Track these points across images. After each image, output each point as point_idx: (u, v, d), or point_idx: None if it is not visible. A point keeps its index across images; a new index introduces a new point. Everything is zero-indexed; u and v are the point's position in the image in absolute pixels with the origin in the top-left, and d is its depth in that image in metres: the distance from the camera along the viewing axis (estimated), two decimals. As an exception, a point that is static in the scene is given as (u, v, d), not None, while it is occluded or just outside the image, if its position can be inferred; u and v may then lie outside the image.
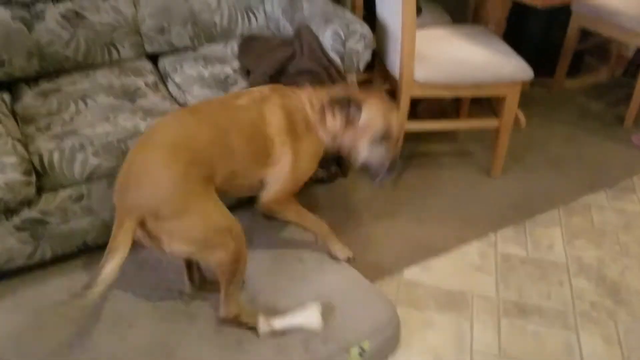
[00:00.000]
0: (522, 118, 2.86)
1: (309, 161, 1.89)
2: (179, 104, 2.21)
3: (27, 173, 1.75)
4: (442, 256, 2.24)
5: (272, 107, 1.81)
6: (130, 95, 2.20)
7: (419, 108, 3.00)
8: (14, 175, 1.72)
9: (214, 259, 1.60)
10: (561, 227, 2.41)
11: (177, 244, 1.54)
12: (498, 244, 2.31)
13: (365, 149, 1.88)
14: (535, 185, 2.67)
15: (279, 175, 1.82)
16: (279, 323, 1.72)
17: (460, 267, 2.19)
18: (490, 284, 2.12)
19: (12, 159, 1.73)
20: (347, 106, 1.83)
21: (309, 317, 1.73)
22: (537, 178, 2.72)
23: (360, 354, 1.73)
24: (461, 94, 2.49)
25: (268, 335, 1.72)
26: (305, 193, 2.46)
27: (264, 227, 2.15)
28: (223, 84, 2.30)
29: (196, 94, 2.22)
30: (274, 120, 1.79)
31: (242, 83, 2.28)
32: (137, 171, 1.55)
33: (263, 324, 1.71)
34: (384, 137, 1.86)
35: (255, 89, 1.92)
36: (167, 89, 2.33)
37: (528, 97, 3.01)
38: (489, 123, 2.63)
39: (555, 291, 2.10)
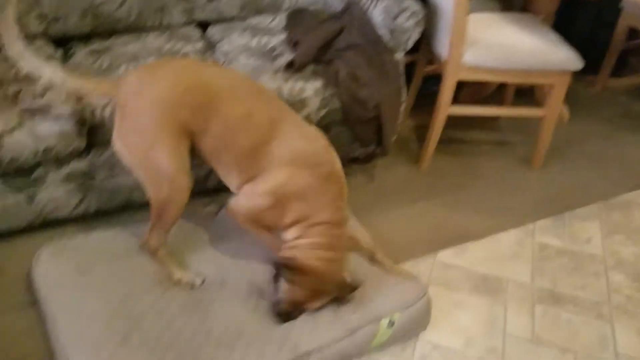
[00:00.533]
0: (566, 112, 2.82)
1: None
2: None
3: (79, 125, 1.79)
4: (478, 242, 2.23)
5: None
6: (179, 59, 2.22)
7: (460, 95, 2.98)
8: (68, 125, 1.76)
9: (147, 190, 1.68)
10: (600, 221, 2.38)
11: (123, 140, 1.62)
12: (535, 233, 2.29)
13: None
14: (575, 179, 2.63)
15: (252, 191, 1.70)
16: None
17: (495, 253, 2.18)
18: (526, 271, 2.11)
19: (66, 110, 1.77)
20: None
21: None
22: (577, 173, 2.68)
23: (390, 326, 1.74)
24: (508, 79, 2.46)
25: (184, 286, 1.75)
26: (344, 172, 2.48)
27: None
28: (269, 55, 2.31)
29: (242, 63, 2.24)
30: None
31: (288, 55, 2.29)
32: (138, 89, 1.61)
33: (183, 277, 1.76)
34: None
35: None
36: (214, 57, 2.35)
37: (571, 93, 2.96)
38: (534, 112, 2.60)
39: (591, 283, 2.07)
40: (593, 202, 2.48)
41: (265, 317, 1.70)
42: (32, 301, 1.75)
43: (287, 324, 1.68)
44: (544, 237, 2.27)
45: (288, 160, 1.67)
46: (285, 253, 1.68)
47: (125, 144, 1.63)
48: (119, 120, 1.63)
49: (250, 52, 2.31)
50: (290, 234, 1.70)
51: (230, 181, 1.76)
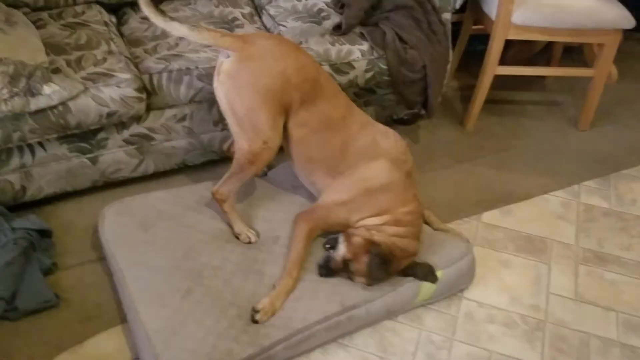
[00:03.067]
0: (615, 72, 2.76)
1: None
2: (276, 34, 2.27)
3: (139, 90, 1.88)
4: (523, 203, 2.26)
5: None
6: (228, 24, 2.27)
7: (507, 56, 2.94)
8: (128, 90, 1.85)
9: (237, 142, 1.78)
10: (647, 183, 2.37)
11: (231, 91, 1.73)
12: (581, 194, 2.30)
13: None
14: (623, 140, 2.61)
15: (342, 184, 1.83)
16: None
17: (541, 214, 2.20)
18: (571, 232, 2.13)
19: (126, 75, 1.86)
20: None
21: None
22: (625, 134, 2.66)
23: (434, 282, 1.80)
24: (558, 38, 2.43)
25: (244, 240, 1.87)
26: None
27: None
28: (316, 17, 2.33)
29: (290, 26, 2.27)
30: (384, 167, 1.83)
31: (335, 17, 2.31)
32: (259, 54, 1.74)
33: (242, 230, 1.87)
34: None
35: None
36: (262, 21, 2.39)
37: (622, 52, 2.89)
38: (582, 72, 2.57)
39: (636, 244, 2.09)
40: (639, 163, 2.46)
41: (314, 273, 1.78)
42: (99, 257, 1.89)
43: (334, 281, 1.76)
44: (590, 199, 2.29)
45: (377, 155, 1.82)
46: (365, 235, 1.75)
47: (232, 94, 1.74)
48: (234, 72, 1.73)
49: (298, 15, 2.34)
50: (372, 221, 1.78)
51: (311, 177, 1.89)
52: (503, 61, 2.48)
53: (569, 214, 2.21)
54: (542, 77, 2.97)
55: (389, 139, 1.88)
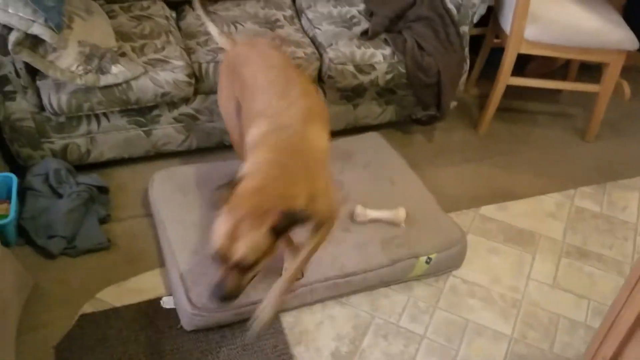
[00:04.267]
0: (627, 90, 2.95)
1: None
2: (309, 37, 2.58)
3: (190, 76, 2.22)
4: (519, 200, 2.49)
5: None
6: (271, 24, 2.60)
7: (527, 67, 3.17)
8: (181, 75, 2.20)
9: None
10: (641, 193, 2.57)
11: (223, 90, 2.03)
12: (575, 198, 2.53)
13: None
14: (625, 153, 2.81)
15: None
16: (372, 213, 2.10)
17: (534, 212, 2.44)
18: (559, 229, 2.37)
19: (180, 63, 2.21)
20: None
21: (397, 213, 2.10)
22: (628, 147, 2.85)
23: (427, 262, 2.07)
24: (565, 55, 2.65)
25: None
26: (404, 130, 2.80)
27: (377, 150, 2.50)
28: (348, 22, 2.64)
29: (324, 28, 2.58)
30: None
31: (364, 24, 2.61)
32: None
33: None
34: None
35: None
36: (301, 23, 2.71)
37: (636, 71, 3.07)
38: (589, 87, 2.78)
39: (619, 244, 2.30)
40: (638, 175, 2.66)
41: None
42: (146, 213, 2.24)
43: (338, 250, 2.03)
44: (583, 202, 2.51)
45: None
46: None
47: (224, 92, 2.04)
48: (225, 69, 2.01)
49: (332, 20, 2.65)
50: None
51: None
52: (523, 73, 2.71)
53: (560, 213, 2.44)
54: (559, 91, 3.19)
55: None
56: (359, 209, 2.09)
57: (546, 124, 2.98)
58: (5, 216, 2.02)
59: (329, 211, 1.65)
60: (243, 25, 2.55)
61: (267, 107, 1.72)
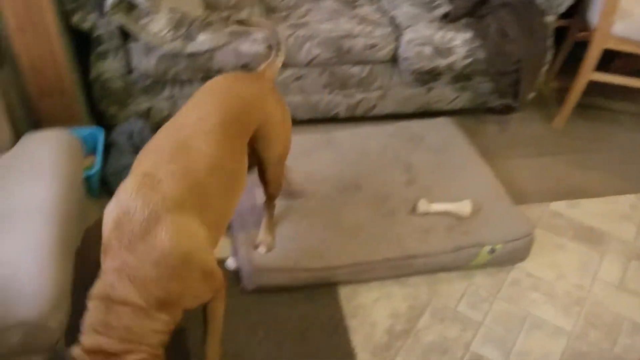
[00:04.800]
0: None
1: None
2: (389, 17, 2.58)
3: (268, 48, 2.28)
4: (592, 199, 2.42)
5: None
6: (351, 3, 2.62)
7: (613, 64, 3.04)
8: (261, 47, 2.26)
9: None
10: None
11: None
12: (653, 201, 2.43)
13: None
14: None
15: None
16: (435, 206, 2.10)
17: (607, 212, 2.36)
18: (632, 231, 2.28)
19: (260, 35, 2.27)
20: None
21: (462, 206, 2.08)
22: None
23: (491, 252, 2.05)
24: (656, 54, 2.54)
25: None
26: (477, 118, 2.77)
27: (448, 135, 2.50)
28: (428, 5, 2.62)
29: (404, 10, 2.58)
30: None
31: (445, 7, 2.58)
32: None
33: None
34: None
35: None
36: (379, 3, 2.71)
37: None
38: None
39: (696, 253, 2.20)
40: None
41: (386, 220, 2.09)
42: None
43: (402, 231, 2.06)
44: (660, 206, 2.41)
45: None
46: None
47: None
48: None
49: (412, 1, 2.64)
50: None
51: None
52: (608, 70, 2.60)
53: (634, 215, 2.35)
54: (644, 90, 3.04)
55: None
56: (421, 204, 2.10)
57: (626, 124, 2.86)
58: (91, 168, 2.16)
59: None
60: (324, 3, 2.58)
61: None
